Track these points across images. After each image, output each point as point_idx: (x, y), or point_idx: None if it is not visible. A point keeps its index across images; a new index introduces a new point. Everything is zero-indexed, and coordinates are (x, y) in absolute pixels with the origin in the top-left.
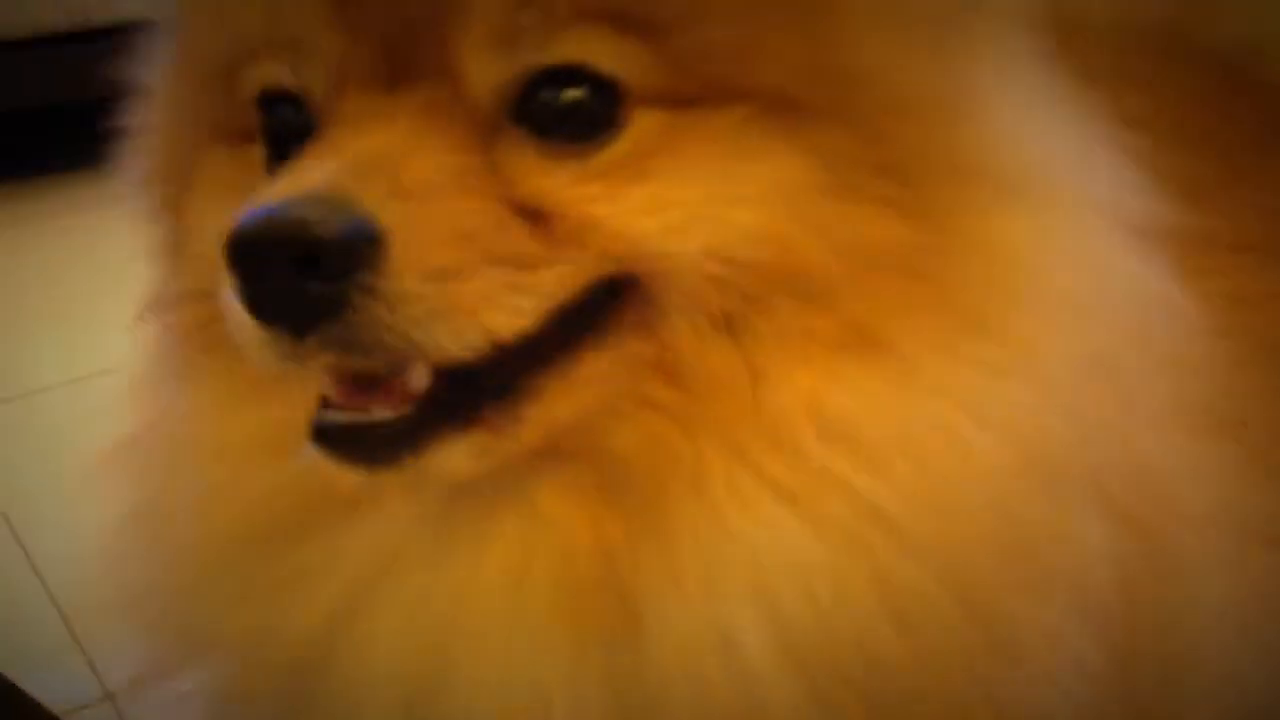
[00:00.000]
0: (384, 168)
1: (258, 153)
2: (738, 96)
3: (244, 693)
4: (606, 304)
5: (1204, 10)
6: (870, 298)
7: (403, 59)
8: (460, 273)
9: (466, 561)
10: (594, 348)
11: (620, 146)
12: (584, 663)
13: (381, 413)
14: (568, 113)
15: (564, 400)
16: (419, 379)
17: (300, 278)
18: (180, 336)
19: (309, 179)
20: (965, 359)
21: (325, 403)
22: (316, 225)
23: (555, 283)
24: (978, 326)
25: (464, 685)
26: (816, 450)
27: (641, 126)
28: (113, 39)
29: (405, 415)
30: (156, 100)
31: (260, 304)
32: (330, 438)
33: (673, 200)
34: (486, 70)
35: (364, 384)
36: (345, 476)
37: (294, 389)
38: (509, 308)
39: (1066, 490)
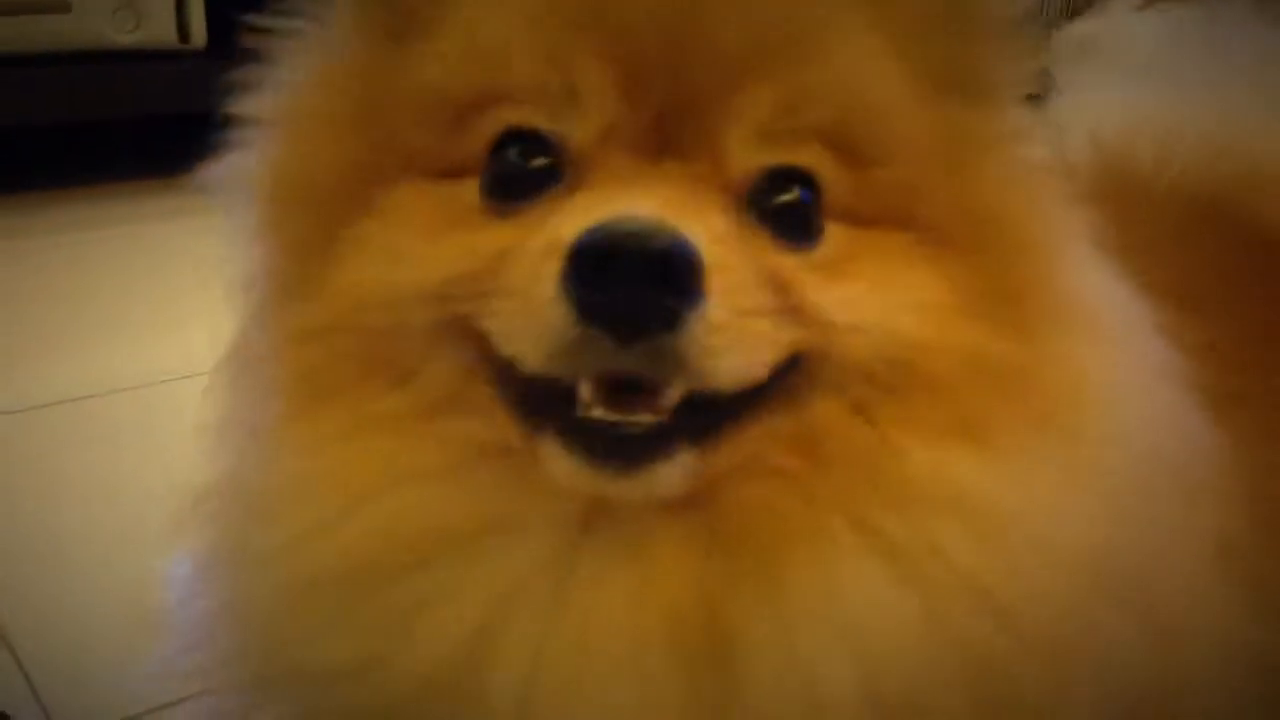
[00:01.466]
0: (694, 214)
1: (467, 190)
2: (903, 225)
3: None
4: (780, 375)
5: (1255, 191)
6: (979, 397)
7: (671, 131)
8: (752, 312)
9: (582, 604)
10: (764, 410)
11: (825, 249)
12: (688, 707)
13: (644, 416)
14: (789, 212)
15: (732, 451)
16: (675, 394)
17: (653, 289)
18: (289, 383)
19: (638, 209)
20: (1048, 457)
21: (574, 406)
22: (673, 244)
23: (784, 342)
24: (1059, 430)
25: None
26: (931, 520)
27: (835, 236)
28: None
29: (663, 422)
30: (304, 139)
31: (596, 308)
32: (589, 434)
33: (860, 302)
34: (743, 158)
35: (623, 395)
36: (579, 479)
37: (415, 428)
38: (770, 350)
39: (1115, 567)
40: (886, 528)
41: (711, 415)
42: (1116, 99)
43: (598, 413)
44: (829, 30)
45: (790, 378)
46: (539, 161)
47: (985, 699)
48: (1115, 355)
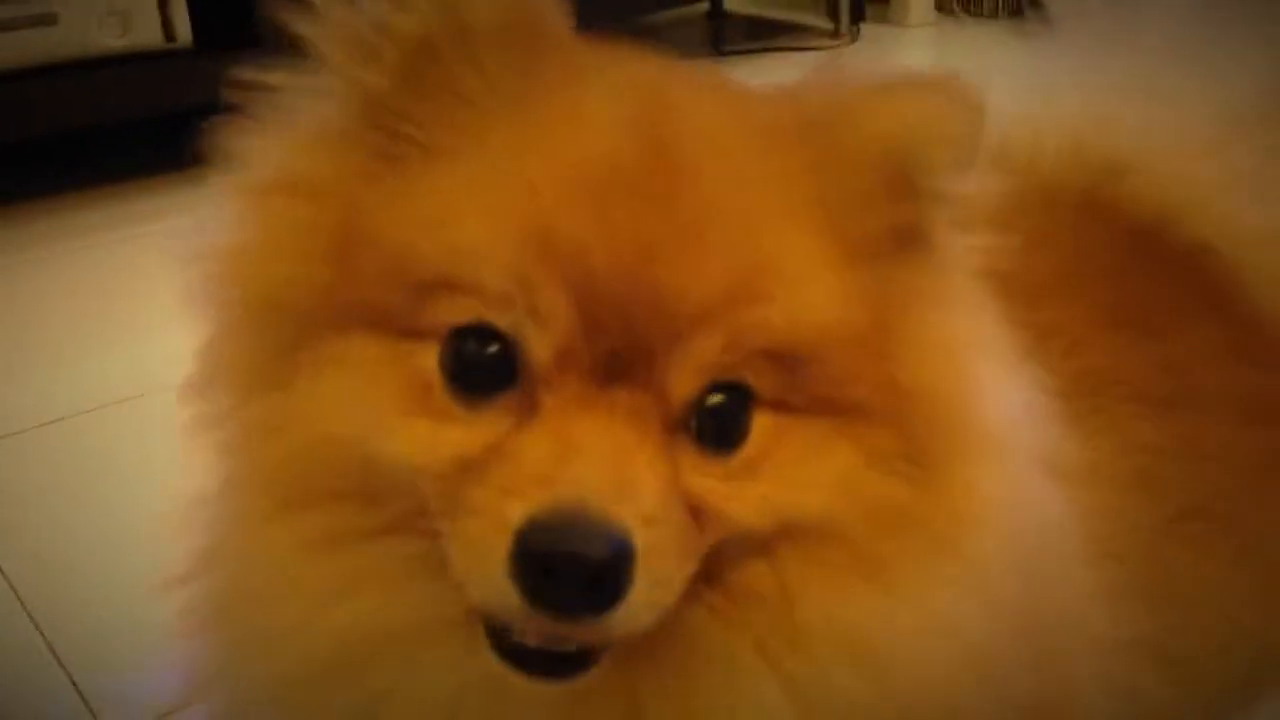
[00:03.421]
0: (631, 490)
1: (426, 359)
2: (828, 409)
3: None
4: None
5: (1119, 179)
6: (879, 541)
7: (623, 365)
8: (671, 577)
9: (521, 703)
10: None
11: (746, 450)
12: None
13: (569, 644)
14: (718, 419)
15: None
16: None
17: (589, 590)
18: (262, 487)
19: (579, 485)
20: (937, 577)
21: (510, 632)
22: (608, 556)
23: (697, 560)
24: (950, 550)
25: None
26: (825, 660)
27: (759, 429)
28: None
29: (585, 651)
30: (279, 240)
31: (540, 597)
32: (523, 658)
33: (770, 497)
34: (685, 388)
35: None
36: (509, 678)
37: (381, 541)
38: (681, 587)
39: (988, 656)
40: (784, 661)
41: None
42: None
43: (530, 641)
44: (775, 263)
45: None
46: (492, 354)
47: None
48: (1013, 470)
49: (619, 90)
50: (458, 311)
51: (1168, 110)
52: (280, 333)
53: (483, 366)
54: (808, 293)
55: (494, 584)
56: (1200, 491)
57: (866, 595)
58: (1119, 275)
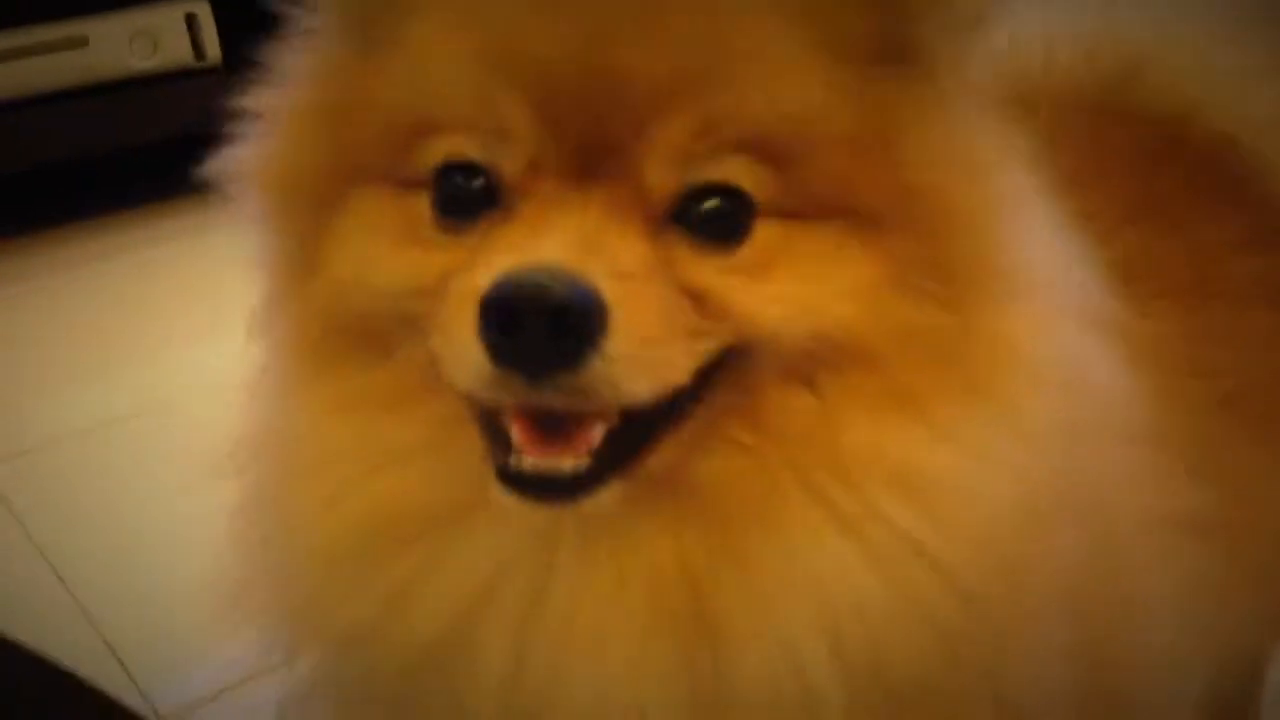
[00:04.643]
0: (601, 250)
1: (422, 203)
2: (835, 213)
3: (360, 689)
4: (715, 365)
5: (1134, 78)
6: (913, 369)
7: (593, 158)
8: (658, 340)
9: (568, 580)
10: (700, 402)
11: (750, 249)
12: (673, 675)
13: (567, 463)
14: (714, 219)
15: (673, 448)
16: (597, 434)
17: (552, 336)
18: (300, 348)
19: (544, 252)
20: (974, 419)
21: (507, 450)
22: (569, 297)
23: (707, 349)
24: (984, 393)
25: (567, 697)
26: (872, 489)
27: (764, 234)
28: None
29: (586, 466)
30: (294, 133)
31: (505, 351)
32: (522, 482)
33: (788, 295)
34: (662, 180)
35: (550, 434)
36: (521, 511)
37: (398, 405)
38: (683, 367)
39: (1044, 513)
40: (835, 497)
41: (641, 435)
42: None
43: (528, 463)
44: (743, 47)
45: (731, 364)
46: (478, 186)
47: (944, 659)
48: (1046, 316)
49: None
50: (436, 151)
51: (1178, 10)
52: (305, 210)
53: (465, 197)
54: (782, 79)
55: (465, 353)
56: (1239, 376)
57: (910, 429)
58: (1141, 170)
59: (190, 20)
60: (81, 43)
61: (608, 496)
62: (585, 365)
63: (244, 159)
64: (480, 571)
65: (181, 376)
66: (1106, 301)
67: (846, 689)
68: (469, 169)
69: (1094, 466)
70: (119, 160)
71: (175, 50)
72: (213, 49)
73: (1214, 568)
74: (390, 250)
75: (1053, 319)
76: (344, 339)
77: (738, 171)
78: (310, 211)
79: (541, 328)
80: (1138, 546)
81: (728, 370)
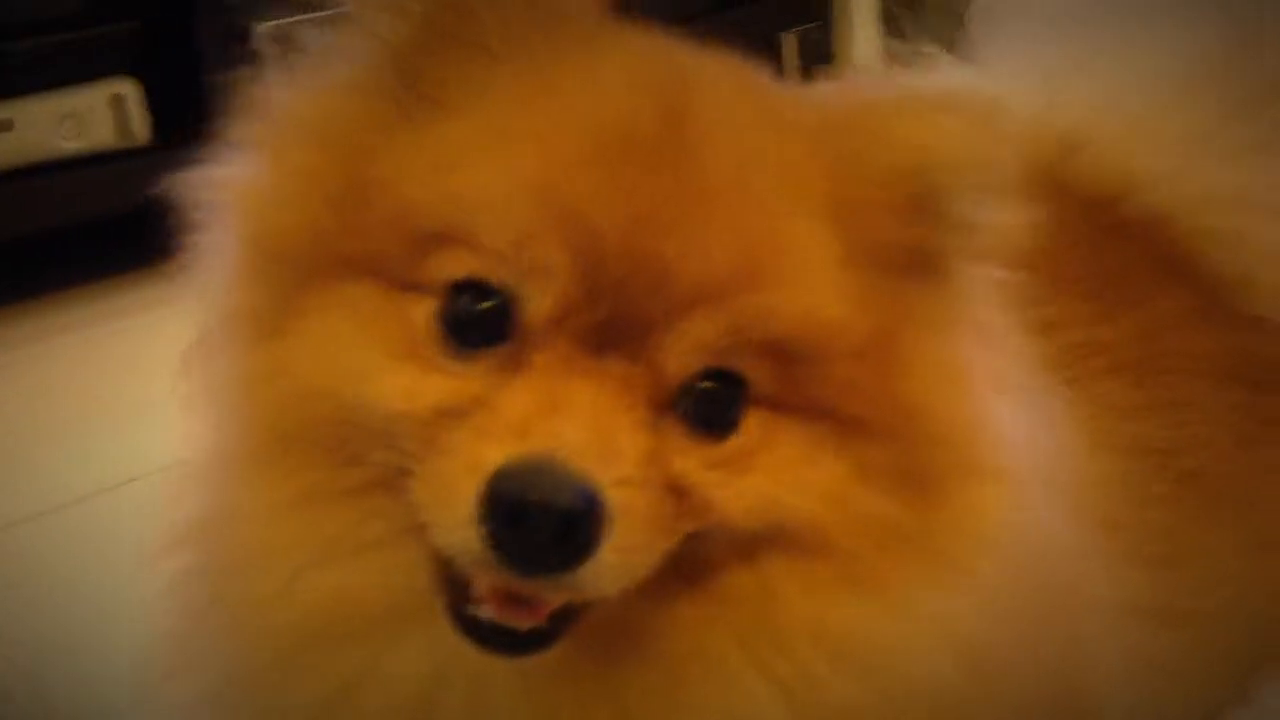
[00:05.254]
0: (611, 450)
1: (420, 313)
2: (822, 413)
3: None
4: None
5: (1075, 154)
6: (874, 557)
7: (618, 331)
8: (644, 545)
9: (506, 699)
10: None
11: (738, 440)
12: None
13: (524, 624)
14: (710, 404)
15: (619, 604)
16: (554, 603)
17: (555, 541)
18: (255, 437)
19: (560, 440)
20: (927, 583)
21: (463, 596)
22: (579, 508)
23: (675, 538)
24: (949, 566)
25: None
26: (811, 661)
27: (752, 423)
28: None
29: (543, 628)
30: (292, 191)
31: (505, 543)
32: (478, 631)
33: (761, 492)
34: (679, 367)
35: (514, 600)
36: (468, 648)
37: (358, 503)
38: (654, 561)
39: (990, 659)
40: (771, 662)
41: (593, 603)
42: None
43: (486, 613)
44: (784, 252)
45: (687, 542)
46: (491, 311)
47: None
48: (1011, 492)
49: (639, 59)
50: (456, 265)
51: (1115, 80)
52: (281, 280)
53: (476, 321)
54: (813, 286)
55: (459, 527)
56: (1190, 455)
57: (850, 601)
58: (1085, 249)
59: (117, 102)
60: (7, 126)
61: (553, 653)
62: (579, 569)
63: (219, 186)
64: (421, 676)
65: (116, 458)
66: (1063, 454)
67: None
68: (481, 292)
69: (1050, 607)
70: (46, 242)
71: (102, 132)
72: (141, 129)
73: (1171, 651)
74: (384, 362)
75: (1018, 491)
76: (302, 438)
77: (747, 364)
78: (287, 278)
79: (548, 532)
80: (1098, 643)
81: (681, 544)
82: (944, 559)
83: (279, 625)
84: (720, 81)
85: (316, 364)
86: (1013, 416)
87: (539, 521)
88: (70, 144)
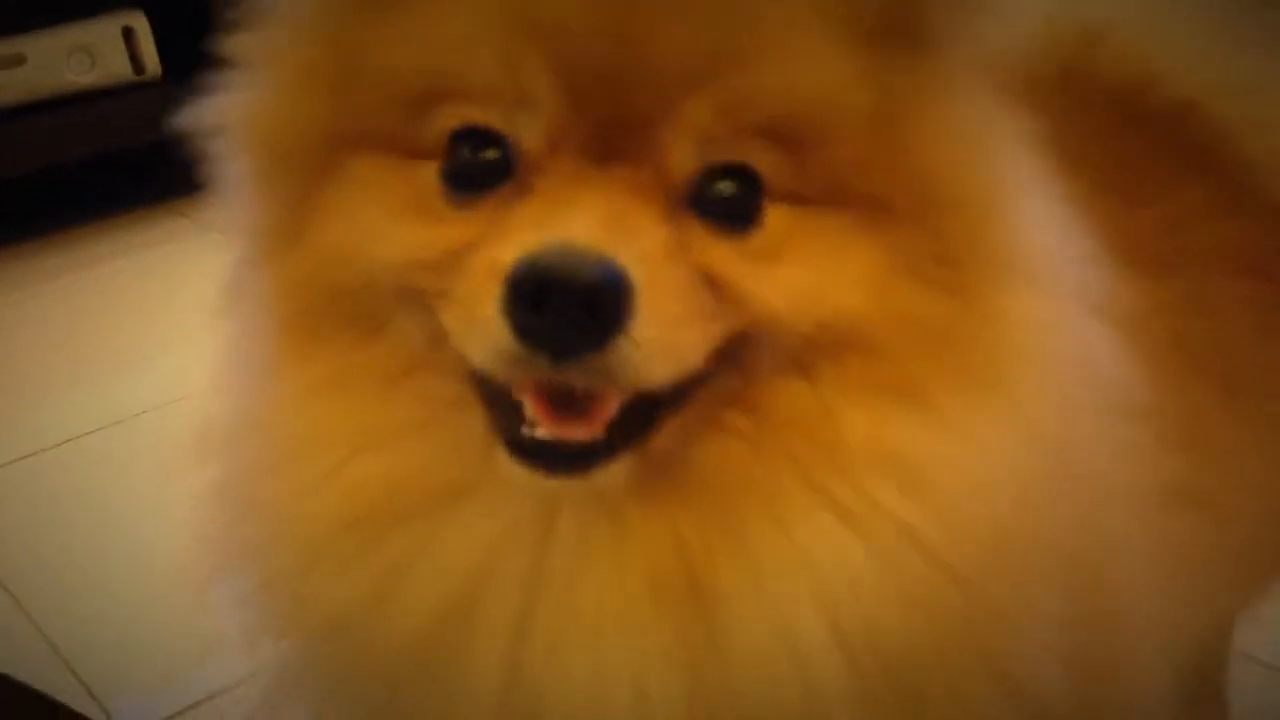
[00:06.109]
0: (627, 231)
1: (427, 173)
2: (843, 200)
3: (342, 685)
4: (720, 349)
5: (1094, 49)
6: (916, 357)
7: (615, 135)
8: (681, 324)
9: (565, 563)
10: (703, 385)
11: (762, 235)
12: (672, 656)
13: (580, 434)
14: (728, 202)
15: (675, 431)
16: (612, 407)
17: (582, 317)
18: (281, 324)
19: (572, 229)
20: (976, 408)
21: (517, 422)
22: (601, 278)
23: (719, 333)
24: (987, 382)
25: (566, 680)
26: (869, 479)
27: (775, 219)
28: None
29: (599, 439)
30: (286, 92)
31: (533, 330)
32: (534, 452)
33: (797, 283)
34: (684, 162)
35: (565, 408)
36: (531, 483)
37: (393, 385)
38: (700, 351)
39: (1038, 499)
40: (830, 486)
41: (650, 413)
42: None
43: (541, 432)
44: (768, 30)
45: (733, 349)
46: (492, 157)
47: (942, 641)
48: (1048, 303)
49: None
50: (450, 117)
51: None
52: (295, 175)
53: (478, 169)
54: (801, 60)
55: (487, 330)
56: (1212, 345)
57: (910, 419)
58: (1106, 142)
59: (127, 34)
60: (19, 60)
61: (618, 470)
62: (612, 347)
63: (226, 111)
64: (473, 554)
65: (141, 392)
66: (1105, 282)
67: (844, 670)
68: (482, 139)
69: (1089, 445)
70: (63, 177)
71: (114, 65)
72: (151, 62)
73: (1198, 537)
74: (393, 221)
75: (1055, 303)
76: (330, 314)
77: (755, 154)
78: (299, 176)
79: (572, 308)
80: (1128, 518)
81: (729, 355)
82: (988, 374)
83: (321, 515)
84: None
85: (332, 234)
86: (1039, 217)
87: (562, 300)
88: (83, 78)
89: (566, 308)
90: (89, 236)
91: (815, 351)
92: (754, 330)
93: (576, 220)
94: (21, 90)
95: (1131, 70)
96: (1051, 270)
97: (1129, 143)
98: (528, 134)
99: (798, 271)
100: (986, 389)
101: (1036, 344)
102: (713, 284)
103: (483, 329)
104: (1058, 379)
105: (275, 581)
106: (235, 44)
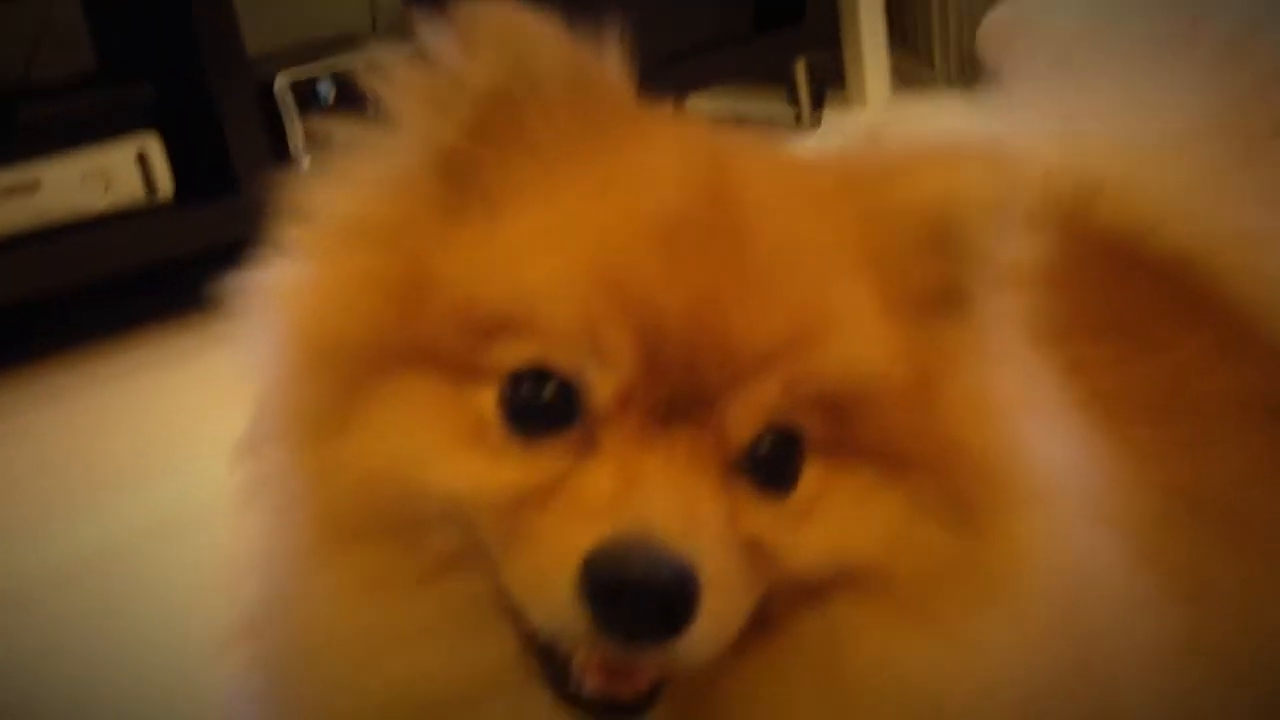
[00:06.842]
0: (696, 522)
1: (483, 401)
2: (876, 458)
3: None
4: None
5: (1091, 199)
6: (926, 586)
7: (683, 404)
8: (737, 606)
9: None
10: None
11: (800, 494)
12: None
13: (627, 692)
14: (774, 464)
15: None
16: (660, 670)
17: (658, 615)
18: (320, 524)
19: (649, 516)
20: (982, 619)
21: (565, 676)
22: (678, 583)
23: (757, 597)
24: (997, 595)
25: None
26: (878, 699)
27: (810, 475)
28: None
29: (643, 694)
30: (345, 293)
31: (609, 621)
32: (585, 705)
33: (826, 540)
34: (744, 430)
35: (616, 669)
36: None
37: (429, 586)
38: (744, 619)
39: (1046, 697)
40: (843, 706)
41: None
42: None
43: (587, 688)
44: (834, 314)
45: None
46: (554, 398)
47: None
48: (1053, 518)
49: (681, 148)
50: (520, 353)
51: (1129, 126)
52: (342, 378)
53: (541, 407)
54: (860, 341)
55: (561, 608)
56: (1217, 492)
57: (916, 640)
58: (1107, 291)
59: (141, 158)
60: (34, 187)
61: (660, 713)
62: (680, 640)
63: (274, 285)
64: None
65: (156, 509)
66: (1099, 480)
67: None
68: (544, 378)
69: (1092, 613)
70: (74, 299)
71: (127, 188)
72: (164, 185)
73: (1211, 690)
74: (449, 451)
75: (1060, 517)
76: (367, 522)
77: (805, 419)
78: (346, 375)
79: (650, 609)
80: (1137, 677)
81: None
82: (994, 589)
83: (350, 713)
84: (753, 160)
85: (379, 451)
86: (1043, 438)
87: (641, 599)
88: (97, 202)
89: (645, 607)
90: (97, 355)
91: (827, 587)
92: (779, 579)
93: (649, 502)
94: (34, 216)
95: (1130, 220)
96: (1053, 485)
97: (1129, 293)
98: (601, 385)
99: (826, 529)
100: (990, 602)
101: (1038, 557)
102: (754, 549)
103: (554, 607)
104: (1061, 589)
105: None
106: (277, 228)
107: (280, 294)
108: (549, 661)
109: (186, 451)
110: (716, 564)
